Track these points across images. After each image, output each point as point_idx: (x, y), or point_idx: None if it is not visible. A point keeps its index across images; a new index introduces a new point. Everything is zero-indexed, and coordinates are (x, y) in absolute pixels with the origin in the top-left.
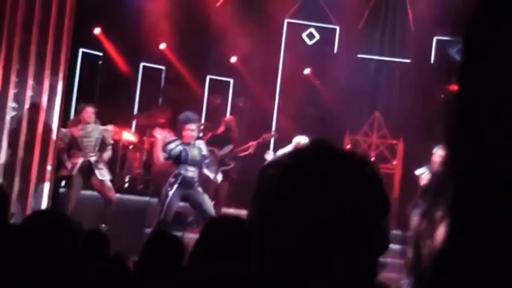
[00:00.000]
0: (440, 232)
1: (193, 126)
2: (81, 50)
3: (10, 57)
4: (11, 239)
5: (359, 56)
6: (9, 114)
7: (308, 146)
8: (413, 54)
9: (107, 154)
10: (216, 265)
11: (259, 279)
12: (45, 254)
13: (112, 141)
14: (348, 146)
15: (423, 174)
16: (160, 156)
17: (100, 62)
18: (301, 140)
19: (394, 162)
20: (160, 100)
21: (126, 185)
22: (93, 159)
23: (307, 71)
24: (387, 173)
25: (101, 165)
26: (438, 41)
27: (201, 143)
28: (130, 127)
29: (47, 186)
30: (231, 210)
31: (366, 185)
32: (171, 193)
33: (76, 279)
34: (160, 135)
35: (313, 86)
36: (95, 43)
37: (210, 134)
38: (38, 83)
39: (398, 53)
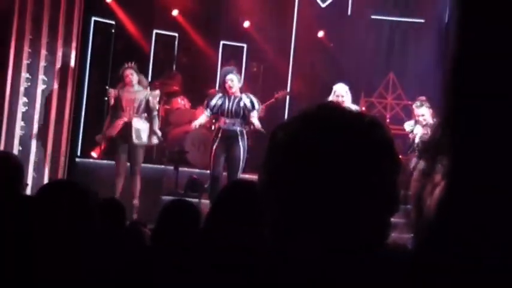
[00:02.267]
0: (440, 190)
1: (231, 76)
2: (93, 18)
3: (23, 27)
4: (26, 210)
5: (373, 17)
6: (23, 85)
7: (316, 109)
8: (428, 13)
9: (154, 121)
10: (229, 231)
11: (271, 247)
12: (60, 225)
13: (157, 106)
14: (363, 108)
15: (412, 128)
16: (202, 116)
17: (113, 31)
18: (339, 88)
19: None
20: (174, 67)
21: None
22: (134, 120)
23: (320, 34)
24: (403, 134)
25: (142, 130)
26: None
27: (248, 95)
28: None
29: (62, 157)
30: (246, 176)
31: (375, 146)
32: (213, 148)
33: (93, 249)
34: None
35: (327, 49)
36: (107, 11)
37: None
38: (51, 52)
39: (412, 13)
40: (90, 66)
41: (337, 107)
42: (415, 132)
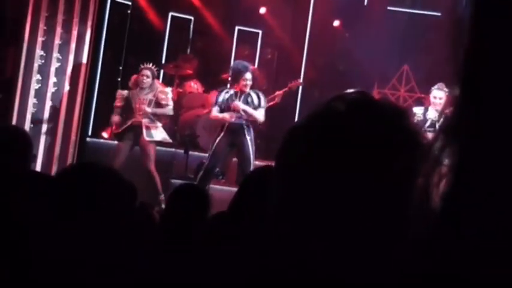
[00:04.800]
0: (445, 182)
1: (250, 76)
2: None
3: (39, 4)
4: (44, 190)
5: (389, 8)
6: (37, 62)
7: (349, 95)
8: (444, 7)
9: (164, 111)
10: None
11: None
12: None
13: (169, 102)
14: None
15: (423, 113)
16: (213, 110)
17: (129, 11)
18: None
19: None
20: (188, 50)
21: None
22: (144, 120)
23: (336, 23)
24: None
25: (152, 127)
26: None
27: (256, 92)
28: (158, 77)
29: (73, 136)
30: (257, 163)
31: (407, 139)
32: (216, 141)
33: (106, 229)
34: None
35: (343, 39)
36: None
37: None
38: (67, 31)
39: (429, 5)
40: (104, 46)
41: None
42: (428, 116)
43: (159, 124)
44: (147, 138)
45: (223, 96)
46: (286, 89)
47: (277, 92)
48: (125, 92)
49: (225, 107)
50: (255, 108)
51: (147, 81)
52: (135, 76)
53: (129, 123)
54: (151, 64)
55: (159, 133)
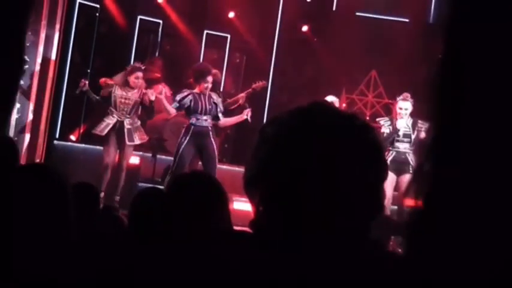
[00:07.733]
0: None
1: (211, 79)
2: (78, 0)
3: None
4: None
5: (357, 13)
6: None
7: (309, 106)
8: (412, 13)
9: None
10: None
11: (262, 240)
12: (31, 208)
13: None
14: (344, 105)
15: (388, 123)
16: (169, 108)
17: (97, 14)
18: (331, 99)
19: None
20: (156, 54)
21: None
22: (127, 121)
23: (305, 28)
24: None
25: (133, 129)
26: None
27: (211, 93)
28: None
29: (40, 139)
30: (224, 167)
31: (365, 149)
32: (183, 145)
33: (66, 232)
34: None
35: (311, 44)
36: None
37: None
38: (34, 33)
39: (397, 11)
40: (72, 49)
41: (331, 106)
42: (398, 126)
43: (139, 123)
44: (129, 143)
45: (185, 99)
46: (249, 90)
47: (240, 94)
48: (112, 86)
49: (190, 109)
50: (219, 115)
51: (140, 82)
52: (123, 73)
53: (111, 123)
54: (141, 63)
55: (140, 135)
